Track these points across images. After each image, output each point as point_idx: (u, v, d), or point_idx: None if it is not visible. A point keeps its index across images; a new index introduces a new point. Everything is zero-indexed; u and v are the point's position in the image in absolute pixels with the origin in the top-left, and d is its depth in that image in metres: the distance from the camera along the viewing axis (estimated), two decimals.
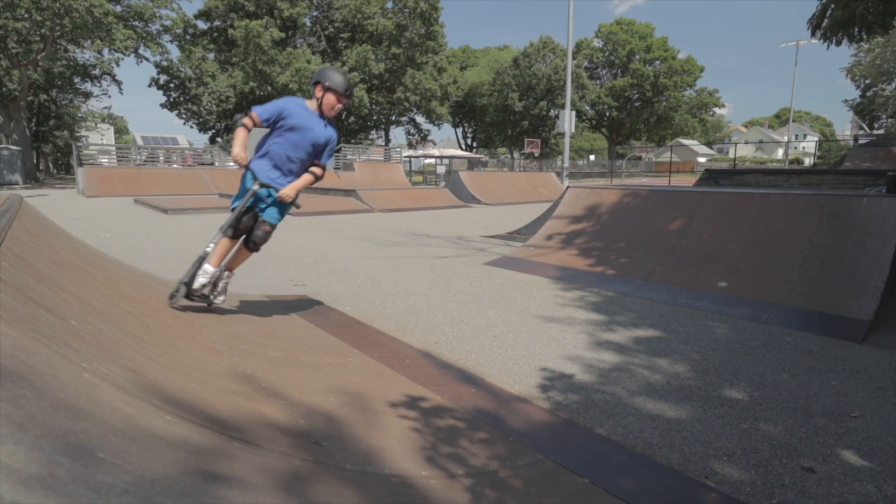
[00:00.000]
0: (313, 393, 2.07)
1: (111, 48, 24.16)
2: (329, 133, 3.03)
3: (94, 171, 18.01)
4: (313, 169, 3.07)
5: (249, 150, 2.93)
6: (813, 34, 13.70)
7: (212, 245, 2.88)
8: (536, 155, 39.01)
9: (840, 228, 4.16)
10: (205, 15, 32.30)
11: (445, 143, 68.49)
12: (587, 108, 47.48)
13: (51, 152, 38.09)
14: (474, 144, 51.65)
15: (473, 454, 1.79)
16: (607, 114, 49.78)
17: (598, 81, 50.32)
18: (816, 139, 61.26)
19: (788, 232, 4.46)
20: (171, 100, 33.14)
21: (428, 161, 44.24)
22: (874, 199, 4.17)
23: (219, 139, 34.80)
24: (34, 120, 31.44)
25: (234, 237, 2.95)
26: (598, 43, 50.38)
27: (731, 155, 53.48)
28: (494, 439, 1.96)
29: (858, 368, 2.83)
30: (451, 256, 6.41)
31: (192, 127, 51.13)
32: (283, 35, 29.41)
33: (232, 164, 25.19)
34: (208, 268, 2.87)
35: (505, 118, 43.75)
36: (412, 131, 44.81)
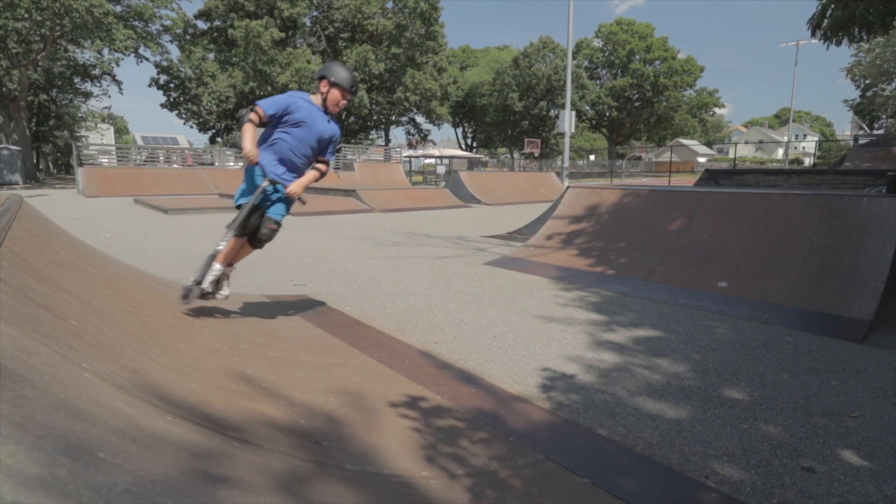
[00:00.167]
0: (313, 393, 2.07)
1: (111, 48, 24.16)
2: (333, 128, 3.02)
3: (94, 171, 18.00)
4: (318, 165, 3.06)
5: None
6: (813, 34, 13.70)
7: (223, 243, 2.88)
8: (536, 155, 39.01)
9: (840, 228, 4.16)
10: (205, 15, 32.32)
11: (445, 143, 68.53)
12: (587, 108, 47.49)
13: (51, 152, 38.08)
14: (474, 144, 51.64)
15: (473, 454, 1.79)
16: (607, 114, 49.79)
17: (598, 81, 50.33)
18: (816, 139, 61.26)
19: (788, 232, 4.46)
20: (171, 100, 33.16)
21: (428, 161, 44.23)
22: (874, 199, 4.17)
23: (219, 139, 34.81)
24: (34, 120, 31.43)
25: (242, 235, 2.96)
26: (598, 43, 50.40)
27: (731, 155, 53.49)
28: (494, 439, 1.95)
29: (858, 368, 2.83)
30: (451, 256, 6.41)
31: (192, 127, 51.25)
32: (283, 35, 29.43)
33: (232, 163, 25.27)
34: (216, 266, 2.90)
35: (505, 118, 43.74)
36: (412, 131, 44.83)
